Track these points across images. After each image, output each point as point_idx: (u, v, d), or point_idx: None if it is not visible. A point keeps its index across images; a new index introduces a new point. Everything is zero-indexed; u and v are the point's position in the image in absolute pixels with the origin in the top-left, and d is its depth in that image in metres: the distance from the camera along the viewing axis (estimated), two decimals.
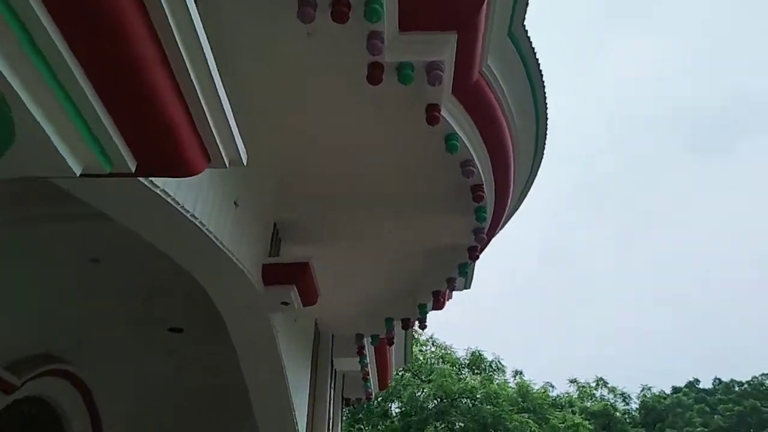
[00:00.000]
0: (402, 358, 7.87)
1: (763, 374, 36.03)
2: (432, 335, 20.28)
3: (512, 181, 3.73)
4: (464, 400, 15.61)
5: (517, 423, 14.02)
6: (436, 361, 18.31)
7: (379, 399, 17.26)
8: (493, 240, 4.79)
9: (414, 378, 16.67)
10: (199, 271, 3.08)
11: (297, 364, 4.88)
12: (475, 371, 18.54)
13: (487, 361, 18.43)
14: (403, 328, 5.23)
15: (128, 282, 4.94)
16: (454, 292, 5.59)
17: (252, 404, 4.51)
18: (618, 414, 24.57)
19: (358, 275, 4.60)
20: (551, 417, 16.25)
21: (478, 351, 18.67)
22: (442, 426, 14.46)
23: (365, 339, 5.69)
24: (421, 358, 18.25)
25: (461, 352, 19.21)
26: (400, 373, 16.75)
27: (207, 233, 2.65)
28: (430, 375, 16.47)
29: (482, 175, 3.35)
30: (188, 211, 2.47)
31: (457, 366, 17.78)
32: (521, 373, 21.20)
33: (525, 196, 4.52)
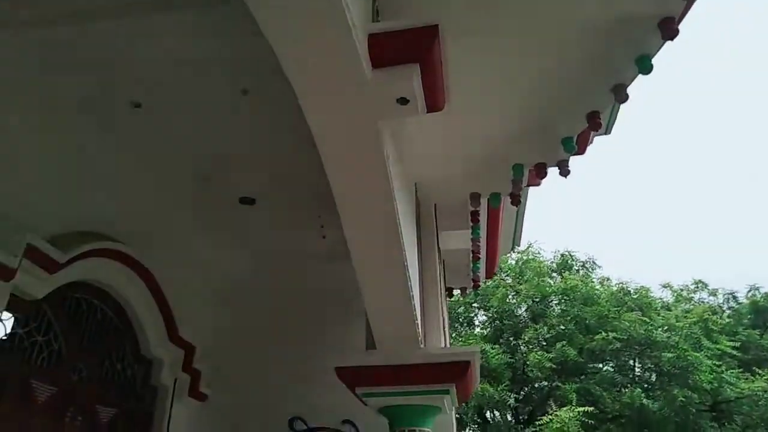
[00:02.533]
0: (510, 239, 6.78)
1: None
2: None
3: None
4: (559, 303, 14.67)
5: (627, 323, 12.91)
6: (521, 267, 17.29)
7: (460, 308, 16.64)
8: None
9: (502, 282, 15.77)
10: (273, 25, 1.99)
11: (406, 233, 3.87)
12: (566, 275, 17.42)
13: (579, 263, 17.24)
14: (536, 177, 4.08)
15: (181, 140, 4.04)
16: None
17: (362, 292, 3.56)
18: (725, 317, 23.03)
19: (484, 91, 3.41)
20: (657, 318, 15.06)
21: (569, 252, 17.46)
22: (542, 328, 13.61)
23: (482, 200, 4.59)
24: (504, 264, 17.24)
25: (547, 255, 18.06)
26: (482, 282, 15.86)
27: None
28: (520, 279, 15.54)
29: None
30: None
31: (545, 270, 16.65)
32: (609, 279, 19.92)
33: None
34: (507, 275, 16.24)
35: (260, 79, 3.48)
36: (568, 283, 14.56)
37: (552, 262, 17.59)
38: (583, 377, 13.69)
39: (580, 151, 4.04)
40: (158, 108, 3.68)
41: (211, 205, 4.77)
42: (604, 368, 13.61)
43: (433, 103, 2.52)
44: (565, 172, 4.00)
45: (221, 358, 5.52)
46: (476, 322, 17.14)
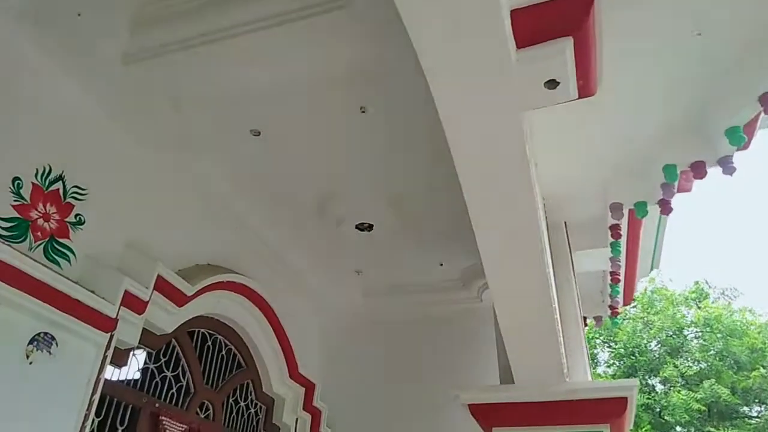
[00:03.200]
0: (648, 260, 6.05)
1: None
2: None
3: None
4: (698, 336, 13.09)
5: None
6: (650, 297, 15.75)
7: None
8: None
9: (628, 314, 14.44)
10: None
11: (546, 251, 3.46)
12: (701, 308, 15.63)
13: (718, 291, 15.40)
14: (695, 177, 3.54)
15: (299, 167, 3.98)
16: None
17: (499, 317, 3.21)
18: None
19: (630, 80, 3.00)
20: None
21: (705, 281, 15.66)
22: (685, 365, 12.17)
23: (624, 210, 4.08)
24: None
25: (677, 284, 16.38)
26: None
27: None
28: (649, 310, 14.13)
29: None
30: None
31: (676, 303, 14.99)
32: (751, 310, 17.51)
33: None
34: (633, 306, 14.88)
35: (379, 96, 3.33)
36: (710, 312, 12.97)
37: (685, 291, 15.92)
38: (737, 421, 11.99)
39: (746, 143, 3.47)
40: (276, 134, 3.64)
41: (326, 233, 4.67)
42: (765, 410, 11.84)
43: (585, 86, 2.19)
44: (729, 170, 3.44)
45: (338, 395, 5.33)
46: (600, 360, 15.78)
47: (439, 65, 1.97)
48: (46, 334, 2.65)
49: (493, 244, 2.77)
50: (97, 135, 3.19)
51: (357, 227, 4.34)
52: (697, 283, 15.86)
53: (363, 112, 3.43)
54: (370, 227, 4.36)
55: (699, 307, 14.19)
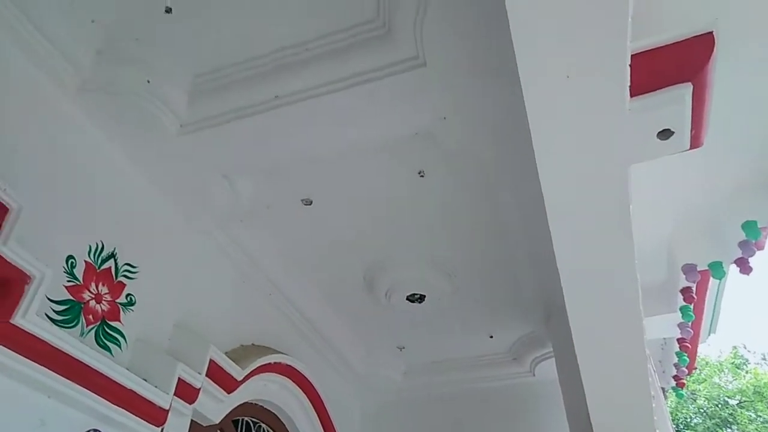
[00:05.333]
0: (707, 326, 5.77)
1: None
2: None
3: None
4: (745, 404, 12.40)
5: None
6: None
7: None
8: None
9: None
10: None
11: None
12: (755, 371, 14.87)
13: (758, 355, 14.75)
14: None
15: (349, 237, 3.83)
16: None
17: (587, 395, 2.94)
18: None
19: (720, 127, 2.88)
20: None
21: (744, 346, 15.06)
22: None
23: (697, 273, 3.86)
24: None
25: (709, 351, 15.72)
26: None
27: None
28: (690, 380, 13.50)
29: None
30: None
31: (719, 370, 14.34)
32: None
33: None
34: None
35: (438, 160, 3.22)
36: (759, 378, 12.37)
37: (721, 356, 15.28)
38: None
39: None
40: (328, 202, 3.52)
41: (370, 308, 4.46)
42: None
43: (696, 136, 2.07)
44: None
45: None
46: None
47: (547, 109, 1.84)
48: (95, 431, 2.40)
49: (588, 311, 2.57)
50: (147, 209, 3.06)
51: (408, 299, 4.13)
52: (735, 347, 15.25)
53: (422, 176, 3.32)
54: (421, 298, 4.14)
55: (744, 373, 13.50)
